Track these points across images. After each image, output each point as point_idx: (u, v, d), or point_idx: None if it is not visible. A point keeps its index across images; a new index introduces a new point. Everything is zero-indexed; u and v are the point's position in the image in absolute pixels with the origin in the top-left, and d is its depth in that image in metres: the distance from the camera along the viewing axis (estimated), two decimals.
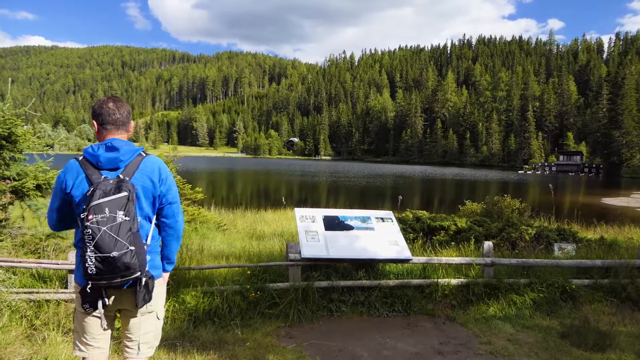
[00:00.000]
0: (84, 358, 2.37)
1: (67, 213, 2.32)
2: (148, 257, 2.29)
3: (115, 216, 2.06)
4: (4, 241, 5.50)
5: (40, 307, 4.44)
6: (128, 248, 2.05)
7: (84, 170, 2.25)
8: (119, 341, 2.52)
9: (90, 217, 2.04)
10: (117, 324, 2.72)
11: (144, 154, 2.37)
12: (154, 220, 2.38)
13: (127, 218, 2.09)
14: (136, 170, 2.28)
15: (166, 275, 2.54)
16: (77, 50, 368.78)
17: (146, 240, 2.31)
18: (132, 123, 2.52)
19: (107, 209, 2.06)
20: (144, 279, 2.19)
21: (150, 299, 2.26)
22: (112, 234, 2.03)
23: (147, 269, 2.23)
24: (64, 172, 2.31)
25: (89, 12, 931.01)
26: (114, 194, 2.11)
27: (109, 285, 2.14)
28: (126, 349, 2.40)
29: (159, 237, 2.44)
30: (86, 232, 2.04)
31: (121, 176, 2.21)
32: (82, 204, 2.14)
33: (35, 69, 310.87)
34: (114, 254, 2.02)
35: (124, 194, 2.12)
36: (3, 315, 4.12)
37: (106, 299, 2.23)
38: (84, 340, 2.35)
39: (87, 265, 2.05)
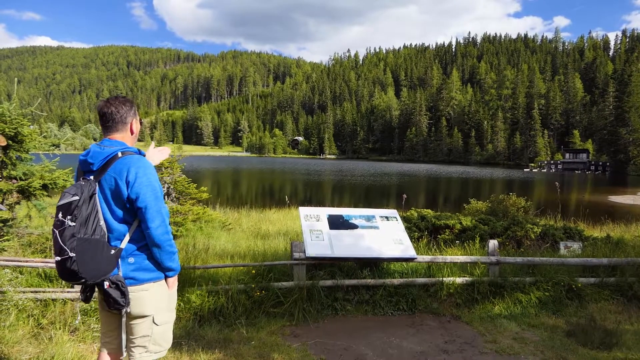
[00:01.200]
0: (100, 350, 2.50)
1: None
2: (131, 260, 2.28)
3: (64, 221, 2.07)
4: (11, 241, 5.54)
5: (47, 306, 4.47)
6: (68, 255, 2.04)
7: (77, 172, 2.38)
8: None
9: (55, 218, 2.12)
10: None
11: (122, 155, 2.29)
12: (135, 223, 2.31)
13: (72, 223, 2.07)
14: (106, 172, 2.25)
15: (170, 281, 2.46)
16: (82, 50, 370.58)
17: (120, 244, 2.26)
18: (134, 122, 2.45)
19: (60, 213, 2.10)
20: (106, 283, 2.18)
21: (126, 304, 2.22)
22: (58, 239, 2.05)
23: (119, 273, 2.22)
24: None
25: (94, 12, 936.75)
26: (68, 197, 2.11)
27: (77, 284, 2.22)
28: (128, 351, 2.42)
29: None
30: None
31: (90, 178, 2.22)
32: None
33: (41, 69, 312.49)
34: (57, 258, 2.07)
35: (74, 198, 2.11)
36: (10, 314, 4.15)
37: (89, 294, 2.32)
38: (101, 333, 2.51)
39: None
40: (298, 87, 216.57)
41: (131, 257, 2.29)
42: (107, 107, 2.36)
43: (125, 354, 2.40)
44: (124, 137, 2.41)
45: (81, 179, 2.26)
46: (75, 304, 4.49)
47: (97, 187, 2.23)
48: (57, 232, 2.07)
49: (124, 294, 2.21)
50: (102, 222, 2.19)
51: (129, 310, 2.28)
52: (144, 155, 2.44)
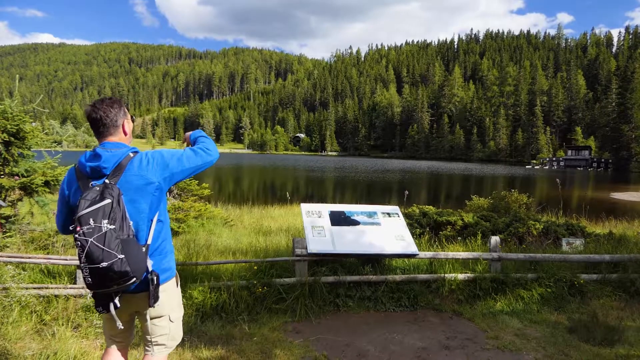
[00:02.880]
0: (107, 347, 2.50)
1: (69, 219, 2.26)
2: (150, 262, 2.24)
3: (100, 226, 1.99)
4: (14, 237, 5.55)
5: (50, 302, 4.48)
6: (117, 257, 1.98)
7: (78, 180, 2.23)
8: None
9: (77, 229, 2.00)
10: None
11: (133, 154, 2.26)
12: (155, 219, 2.29)
13: (112, 226, 2.01)
14: (123, 172, 2.19)
15: (171, 282, 2.46)
16: (84, 47, 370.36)
17: (146, 241, 2.23)
18: (127, 121, 2.38)
19: (91, 219, 2.00)
20: (154, 278, 2.19)
21: (157, 297, 2.24)
22: (99, 245, 1.97)
23: (151, 269, 2.20)
24: (64, 180, 2.32)
25: (96, 9, 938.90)
26: (97, 202, 2.04)
27: (109, 292, 2.11)
28: (145, 347, 2.46)
29: (164, 237, 2.36)
30: (77, 245, 2.01)
31: (107, 181, 2.14)
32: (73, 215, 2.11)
33: (43, 66, 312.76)
34: (104, 264, 1.97)
35: (107, 201, 2.04)
36: (13, 311, 4.16)
37: (117, 302, 2.20)
38: (107, 334, 2.49)
39: (84, 275, 2.03)
40: (300, 84, 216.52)
41: (150, 259, 2.26)
42: (94, 112, 2.27)
43: (149, 352, 2.44)
44: (120, 140, 2.34)
45: (91, 185, 2.15)
46: (78, 300, 4.50)
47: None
48: (92, 239, 1.98)
49: (157, 286, 2.24)
50: (130, 222, 2.14)
51: (161, 309, 2.33)
52: None
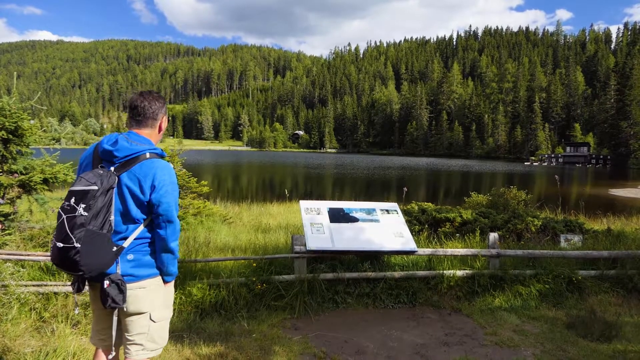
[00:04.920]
0: (96, 347, 2.46)
1: None
2: (130, 256, 2.23)
3: (76, 207, 1.99)
4: (13, 235, 5.54)
5: (49, 299, 4.48)
6: (73, 244, 1.96)
7: (92, 158, 2.26)
8: None
9: (64, 201, 2.03)
10: None
11: (150, 156, 2.25)
12: (143, 223, 2.27)
13: (85, 213, 1.99)
14: (130, 169, 2.19)
15: (168, 284, 2.43)
16: (82, 44, 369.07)
17: (123, 242, 2.21)
18: (162, 120, 2.42)
19: (73, 198, 2.01)
20: (106, 282, 2.12)
21: (122, 301, 2.17)
22: (66, 225, 1.97)
23: (118, 271, 2.17)
24: (84, 154, 2.34)
25: (95, 6, 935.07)
26: (87, 184, 2.04)
27: (64, 272, 2.13)
28: (125, 348, 2.38)
29: (149, 238, 2.32)
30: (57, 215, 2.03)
31: (112, 170, 2.16)
32: None
33: (41, 63, 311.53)
34: (59, 244, 1.97)
35: (93, 187, 2.04)
36: (12, 308, 4.16)
37: (80, 286, 2.21)
38: (93, 330, 2.46)
39: (51, 246, 2.04)
40: (298, 81, 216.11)
41: (131, 253, 2.23)
42: (140, 100, 2.33)
43: (114, 352, 2.35)
44: (151, 134, 2.37)
45: (99, 167, 2.18)
46: (75, 296, 4.50)
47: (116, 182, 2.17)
48: (65, 217, 1.98)
49: (123, 293, 2.16)
50: (112, 217, 2.13)
51: (125, 309, 2.24)
52: (165, 158, 2.40)
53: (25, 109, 5.89)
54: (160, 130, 2.43)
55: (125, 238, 2.22)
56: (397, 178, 43.62)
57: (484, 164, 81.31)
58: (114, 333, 2.31)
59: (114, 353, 2.36)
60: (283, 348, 4.05)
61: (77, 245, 1.97)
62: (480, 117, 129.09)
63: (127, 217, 2.22)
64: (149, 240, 2.31)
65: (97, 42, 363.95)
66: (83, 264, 2.00)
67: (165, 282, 2.39)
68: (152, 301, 2.33)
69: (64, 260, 2.01)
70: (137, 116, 2.33)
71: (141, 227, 2.26)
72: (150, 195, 2.21)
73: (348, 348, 4.18)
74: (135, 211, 2.22)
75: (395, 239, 5.61)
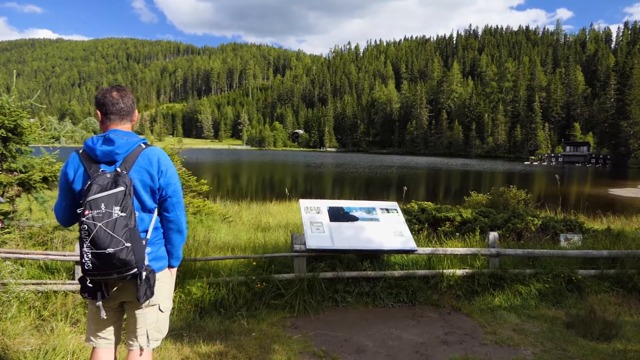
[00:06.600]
0: (94, 347, 2.41)
1: (73, 207, 2.26)
2: (149, 249, 2.27)
3: (111, 212, 2.02)
4: (12, 233, 5.54)
5: (48, 298, 4.48)
6: (124, 245, 2.01)
7: (83, 164, 2.22)
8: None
9: (86, 212, 2.01)
10: None
11: (145, 146, 2.30)
12: (155, 212, 2.34)
13: (123, 214, 2.04)
14: (134, 163, 2.22)
15: (173, 271, 2.50)
16: (82, 43, 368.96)
17: (146, 235, 2.27)
18: (137, 113, 2.46)
19: (103, 204, 2.02)
20: (144, 273, 2.16)
21: (152, 294, 2.22)
22: (108, 230, 1.99)
23: (146, 263, 2.20)
24: (66, 165, 2.29)
25: (94, 5, 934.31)
26: (110, 188, 2.06)
27: (108, 279, 2.14)
28: (128, 340, 2.41)
29: (162, 228, 2.39)
30: (82, 228, 2.01)
31: (119, 170, 2.16)
32: (80, 199, 2.12)
33: (40, 62, 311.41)
34: (110, 250, 1.99)
35: (121, 188, 2.07)
36: (12, 306, 4.16)
37: (105, 292, 2.22)
38: (93, 329, 2.41)
39: (83, 260, 2.03)
40: (298, 80, 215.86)
41: (149, 247, 2.28)
42: (119, 96, 2.33)
43: (135, 344, 2.38)
44: (131, 127, 2.41)
45: (101, 171, 2.15)
46: (77, 295, 4.50)
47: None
48: (100, 224, 1.99)
49: (153, 284, 2.23)
50: (137, 213, 2.20)
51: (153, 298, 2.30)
52: None
53: (25, 108, 5.88)
54: (134, 121, 2.45)
55: (146, 231, 2.29)
56: (397, 177, 43.63)
57: (484, 163, 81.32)
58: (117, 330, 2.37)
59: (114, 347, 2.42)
60: (283, 347, 4.05)
61: (128, 244, 2.03)
62: (480, 116, 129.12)
63: (144, 209, 2.28)
64: (162, 230, 2.39)
65: (96, 41, 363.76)
66: (137, 260, 2.08)
67: (171, 267, 2.47)
68: (163, 292, 2.40)
69: (113, 265, 2.03)
70: (120, 112, 2.33)
71: (155, 216, 2.33)
72: (159, 180, 2.28)
73: (348, 347, 4.18)
74: (149, 201, 2.28)
75: (395, 238, 5.61)
